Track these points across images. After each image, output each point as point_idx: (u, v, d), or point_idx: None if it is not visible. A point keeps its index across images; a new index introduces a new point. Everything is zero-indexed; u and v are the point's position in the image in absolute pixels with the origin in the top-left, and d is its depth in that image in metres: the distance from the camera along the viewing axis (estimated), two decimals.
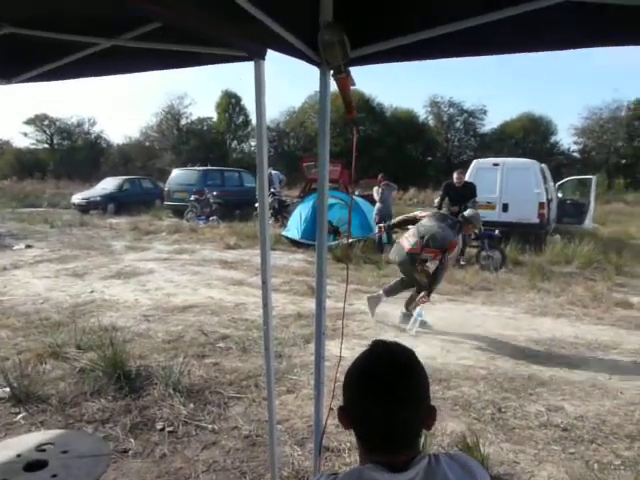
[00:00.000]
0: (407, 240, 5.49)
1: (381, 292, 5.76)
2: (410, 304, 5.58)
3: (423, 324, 5.42)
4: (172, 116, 41.84)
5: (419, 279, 5.45)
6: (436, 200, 9.77)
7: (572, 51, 1.71)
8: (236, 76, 50.07)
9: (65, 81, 2.85)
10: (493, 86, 58.45)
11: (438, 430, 3.22)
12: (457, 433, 3.20)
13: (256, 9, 1.58)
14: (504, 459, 2.99)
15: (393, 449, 0.98)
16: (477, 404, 3.69)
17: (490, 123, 38.30)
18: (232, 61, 2.23)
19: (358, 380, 1.03)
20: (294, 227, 10.95)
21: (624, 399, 3.82)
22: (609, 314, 6.09)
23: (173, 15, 1.52)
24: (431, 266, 5.57)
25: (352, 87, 1.94)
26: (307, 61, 1.92)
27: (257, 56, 2.01)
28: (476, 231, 7.46)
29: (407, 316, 5.56)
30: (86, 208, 18.21)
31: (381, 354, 1.05)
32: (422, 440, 2.57)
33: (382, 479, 0.94)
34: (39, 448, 2.04)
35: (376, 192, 11.41)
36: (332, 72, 1.84)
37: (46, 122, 42.35)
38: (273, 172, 16.18)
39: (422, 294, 5.34)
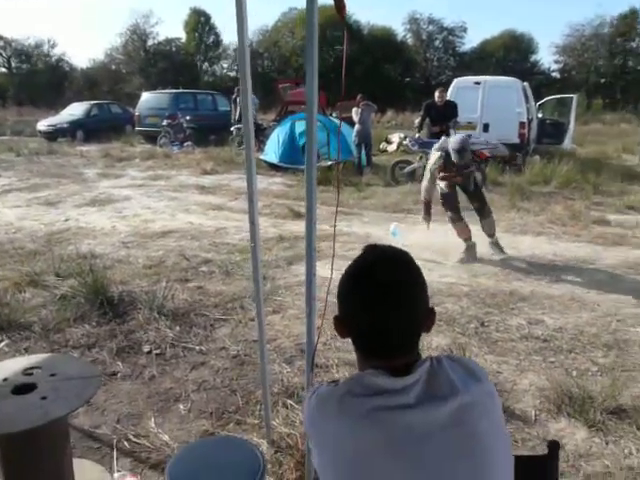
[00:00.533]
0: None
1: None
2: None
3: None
4: (138, 36, 39.55)
5: None
6: (416, 121, 9.57)
7: None
8: None
9: None
10: (472, 1, 56.29)
11: (424, 345, 3.28)
12: (442, 347, 3.27)
13: None
14: (488, 370, 3.07)
15: (393, 353, 0.95)
16: (461, 319, 3.77)
17: (470, 42, 37.50)
18: None
19: (354, 284, 0.98)
20: (272, 151, 10.71)
21: (601, 310, 3.94)
22: (587, 231, 6.19)
23: None
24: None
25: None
26: None
27: None
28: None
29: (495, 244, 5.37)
30: (53, 135, 17.41)
31: (376, 256, 1.00)
32: None
33: (384, 383, 0.91)
34: (26, 372, 2.00)
35: (355, 113, 11.10)
36: None
37: (1, 43, 39.63)
38: (252, 96, 15.58)
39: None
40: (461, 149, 4.88)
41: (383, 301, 0.93)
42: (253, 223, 2.02)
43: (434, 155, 5.19)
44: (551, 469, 1.18)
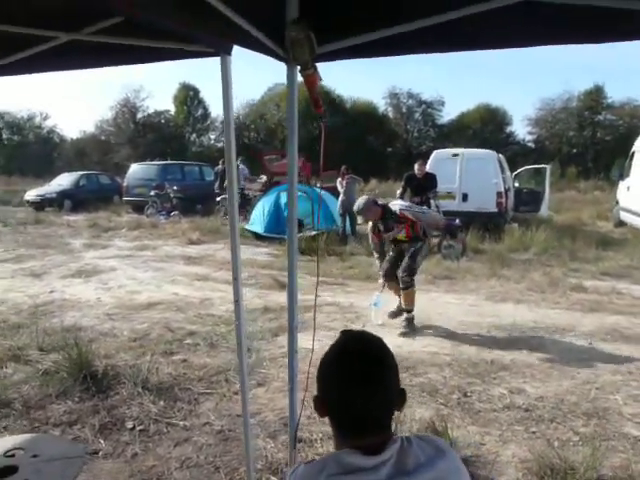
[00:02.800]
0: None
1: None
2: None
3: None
4: (128, 109, 40.73)
5: None
6: (398, 191, 9.88)
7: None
8: (194, 68, 49.07)
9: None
10: (449, 77, 59.46)
11: (407, 416, 3.30)
12: (425, 419, 3.29)
13: (222, 5, 1.58)
14: (471, 441, 3.10)
15: (368, 433, 1.03)
16: (443, 390, 3.80)
17: (448, 114, 38.94)
18: (197, 57, 2.20)
19: (332, 369, 1.07)
20: (257, 221, 10.91)
21: (580, 379, 4.01)
22: (565, 298, 6.35)
23: (137, 10, 1.50)
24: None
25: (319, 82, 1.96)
26: (274, 57, 1.92)
27: (223, 51, 2.00)
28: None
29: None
30: (41, 205, 17.58)
31: (353, 343, 1.10)
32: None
33: (358, 462, 0.98)
34: (8, 454, 2.00)
35: (339, 184, 11.47)
36: (299, 68, 1.85)
37: None
38: (241, 166, 16.02)
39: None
40: (358, 210, 5.22)
41: (357, 386, 1.02)
42: (237, 301, 2.11)
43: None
44: None
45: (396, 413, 2.89)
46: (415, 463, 0.99)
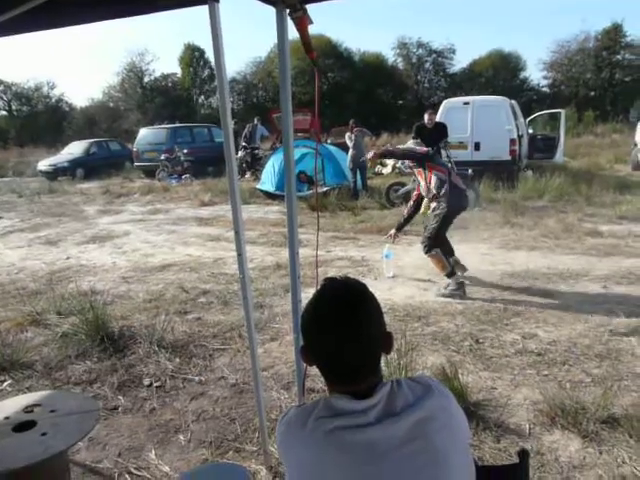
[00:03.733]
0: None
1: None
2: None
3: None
4: (134, 74, 40.22)
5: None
6: (409, 142, 9.72)
7: None
8: (197, 29, 47.97)
9: (16, 42, 2.71)
10: (460, 23, 57.43)
11: (419, 364, 3.34)
12: (437, 366, 3.31)
13: None
14: (482, 386, 3.13)
15: (354, 379, 1.02)
16: (455, 337, 3.82)
17: (459, 62, 37.85)
18: (186, 5, 2.12)
19: (311, 318, 1.06)
20: (268, 180, 10.86)
21: (594, 322, 3.99)
22: (580, 244, 6.27)
23: None
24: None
25: (311, 27, 1.88)
26: (262, 0, 1.85)
27: None
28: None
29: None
30: (54, 175, 17.70)
31: (329, 290, 1.08)
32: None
33: (346, 406, 0.99)
34: (27, 410, 2.07)
35: (348, 138, 11.30)
36: (288, 11, 1.78)
37: (1, 87, 40.38)
38: (259, 125, 15.87)
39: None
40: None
41: (338, 331, 1.01)
42: (240, 255, 2.11)
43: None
44: (521, 477, 1.23)
45: (406, 360, 2.89)
46: (404, 404, 0.99)
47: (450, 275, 4.79)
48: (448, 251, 5.03)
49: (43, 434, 1.87)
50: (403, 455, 0.94)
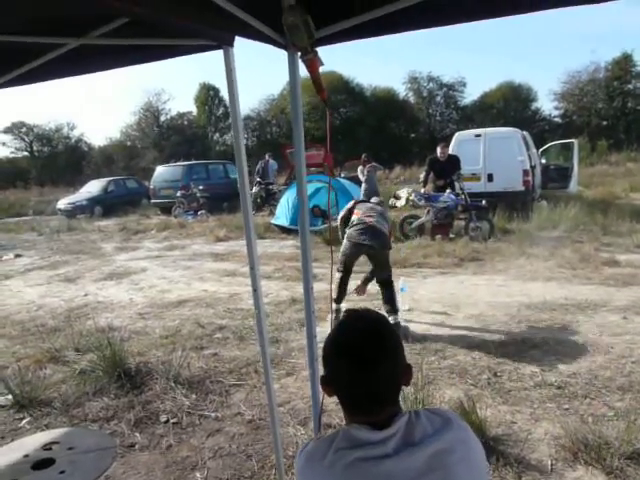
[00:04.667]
0: (379, 223, 4.76)
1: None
2: (393, 306, 4.81)
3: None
4: (151, 113, 41.38)
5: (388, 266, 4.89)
6: (421, 176, 9.81)
7: (541, 17, 1.72)
8: (212, 68, 49.27)
9: (38, 86, 2.84)
10: (470, 54, 58.35)
11: (436, 398, 3.29)
12: (455, 400, 3.27)
13: None
14: (502, 420, 3.07)
15: (373, 410, 1.04)
16: (473, 371, 3.77)
17: (470, 95, 38.41)
18: (202, 51, 2.23)
19: (332, 349, 1.08)
20: (282, 215, 10.97)
21: (615, 353, 3.92)
22: (597, 273, 6.20)
23: (139, 10, 1.54)
24: None
25: (322, 67, 1.96)
26: (274, 45, 1.93)
27: (225, 43, 2.02)
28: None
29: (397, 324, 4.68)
30: (72, 213, 18.06)
31: (351, 321, 1.11)
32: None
33: (366, 436, 1.00)
34: (45, 447, 2.09)
35: (361, 172, 11.44)
36: (299, 54, 1.85)
37: (24, 129, 41.69)
38: (271, 161, 16.19)
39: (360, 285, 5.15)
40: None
41: (360, 360, 1.03)
42: (255, 290, 2.14)
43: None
44: None
45: (423, 394, 2.87)
46: (422, 435, 1.00)
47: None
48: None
49: (61, 472, 1.88)
50: None
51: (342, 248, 4.88)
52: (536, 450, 2.77)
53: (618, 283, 5.74)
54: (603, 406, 3.17)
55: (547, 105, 48.72)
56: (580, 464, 2.61)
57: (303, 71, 1.96)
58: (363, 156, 11.88)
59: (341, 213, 5.21)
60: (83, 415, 3.45)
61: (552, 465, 2.63)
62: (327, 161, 14.84)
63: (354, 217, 4.89)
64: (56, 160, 39.66)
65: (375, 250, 4.70)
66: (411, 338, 4.45)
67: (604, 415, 3.06)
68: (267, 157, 16.70)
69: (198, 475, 2.74)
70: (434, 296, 5.68)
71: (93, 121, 72.32)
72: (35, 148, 42.60)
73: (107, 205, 18.49)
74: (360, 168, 11.62)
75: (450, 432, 1.01)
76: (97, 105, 70.20)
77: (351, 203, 5.18)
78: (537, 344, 4.20)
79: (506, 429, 2.97)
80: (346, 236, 4.83)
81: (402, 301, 5.36)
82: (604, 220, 9.03)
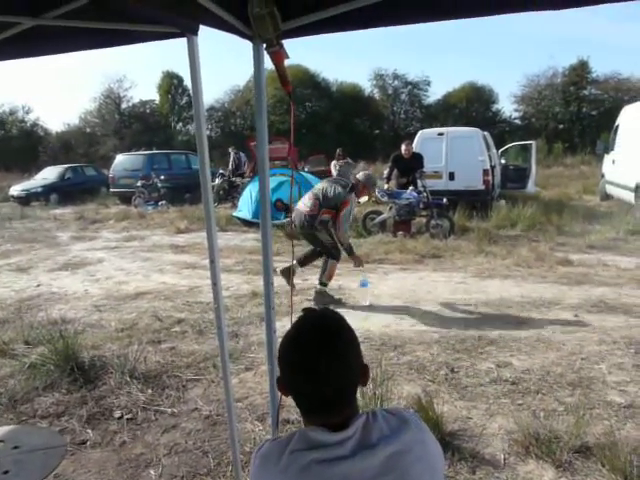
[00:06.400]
0: (304, 203, 5.34)
1: (294, 262, 5.32)
2: (323, 275, 5.44)
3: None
4: (112, 100, 40.19)
5: (324, 240, 5.34)
6: (385, 172, 9.88)
7: (503, 20, 1.74)
8: (176, 57, 48.17)
9: None
10: (434, 55, 59.15)
11: (394, 394, 3.32)
12: (412, 395, 3.31)
13: None
14: (458, 416, 3.13)
15: (331, 410, 1.02)
16: (431, 367, 3.82)
17: (434, 94, 38.70)
18: (164, 38, 2.16)
19: (287, 349, 1.06)
20: (245, 207, 10.86)
21: (566, 350, 4.05)
22: (552, 272, 6.40)
23: None
24: (332, 229, 5.42)
25: (288, 61, 1.93)
26: (240, 35, 1.89)
27: (189, 32, 1.97)
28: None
29: (321, 293, 5.43)
30: (26, 200, 17.41)
31: (308, 322, 1.08)
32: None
33: (322, 438, 0.98)
34: None
35: (334, 167, 11.44)
36: (265, 46, 1.81)
37: None
38: (242, 154, 16.02)
39: (332, 262, 5.38)
40: (373, 181, 5.50)
41: (315, 364, 1.00)
42: (215, 284, 2.10)
43: (352, 196, 5.34)
44: None
45: (382, 390, 2.88)
46: (379, 436, 0.99)
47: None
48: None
49: (5, 472, 1.80)
50: None
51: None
52: (490, 445, 2.83)
53: (571, 282, 5.93)
54: (554, 401, 3.27)
55: (508, 107, 49.90)
56: (531, 458, 2.68)
57: (269, 63, 1.93)
58: (338, 150, 11.90)
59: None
60: (32, 411, 3.33)
61: (505, 459, 2.70)
62: (291, 155, 14.76)
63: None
64: (10, 144, 38.02)
65: (300, 230, 5.41)
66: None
67: (555, 410, 3.16)
68: (230, 150, 16.50)
69: (152, 473, 2.68)
70: (395, 292, 5.74)
71: (50, 106, 69.59)
72: None
73: (64, 193, 17.86)
74: (334, 163, 11.63)
75: (407, 433, 1.01)
76: (55, 89, 67.84)
77: None
78: (493, 340, 4.30)
79: (462, 424, 3.03)
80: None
81: (362, 296, 5.40)
82: (559, 220, 9.32)
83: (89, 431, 3.08)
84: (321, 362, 1.00)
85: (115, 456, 2.84)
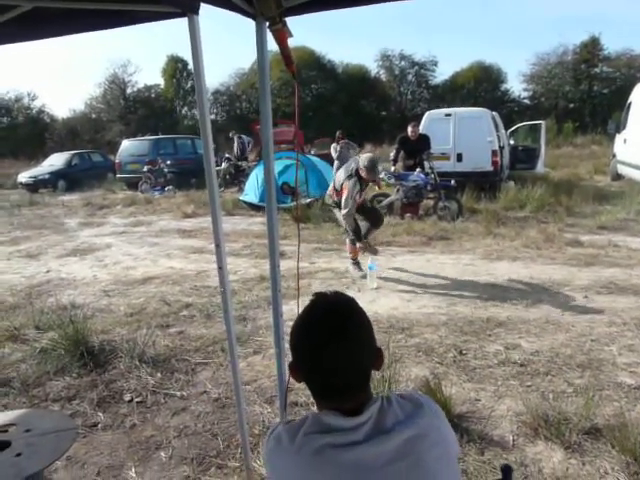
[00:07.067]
0: (330, 188, 5.82)
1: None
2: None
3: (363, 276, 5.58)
4: (117, 85, 40.01)
5: (339, 220, 5.73)
6: (391, 154, 9.78)
7: None
8: (180, 41, 47.72)
9: None
10: (441, 34, 58.20)
11: (402, 376, 3.32)
12: (421, 378, 3.31)
13: None
14: (466, 398, 3.13)
15: (344, 395, 1.01)
16: (439, 349, 3.82)
17: (441, 74, 38.10)
18: (165, 18, 2.12)
19: (301, 333, 1.04)
20: (251, 191, 10.84)
21: (575, 331, 4.03)
22: (561, 254, 6.34)
23: None
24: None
25: (292, 40, 1.89)
26: (242, 13, 1.85)
27: (190, 11, 1.92)
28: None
29: (356, 264, 5.80)
30: (34, 187, 17.49)
31: (320, 305, 1.06)
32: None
33: (336, 423, 0.97)
34: (1, 429, 2.01)
35: (334, 149, 11.34)
36: (267, 24, 1.78)
37: None
38: (245, 137, 15.90)
39: (349, 240, 5.72)
40: (373, 164, 5.32)
41: (328, 348, 0.98)
42: (221, 268, 2.09)
43: (350, 182, 5.34)
44: None
45: (390, 372, 2.87)
46: (394, 421, 0.98)
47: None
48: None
49: (17, 455, 1.82)
50: (393, 472, 0.93)
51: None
52: (499, 426, 2.83)
53: (580, 263, 5.88)
54: (563, 383, 3.26)
55: (517, 86, 49.22)
56: (540, 439, 2.68)
57: (273, 45, 1.89)
58: (338, 133, 11.76)
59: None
60: (44, 395, 3.37)
61: (514, 441, 2.69)
62: (298, 139, 14.67)
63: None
64: (16, 132, 38.05)
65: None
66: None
67: (564, 392, 3.14)
68: (232, 135, 16.35)
69: (162, 454, 2.71)
70: (402, 274, 5.72)
71: (56, 92, 69.46)
72: None
73: (71, 179, 17.92)
74: (334, 145, 11.50)
75: (423, 418, 1.00)
76: (60, 75, 67.56)
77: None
78: (502, 322, 4.28)
79: (470, 406, 3.03)
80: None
81: (370, 279, 5.39)
82: (569, 201, 9.22)
83: (100, 414, 3.11)
84: (333, 346, 0.98)
85: (126, 438, 2.87)
